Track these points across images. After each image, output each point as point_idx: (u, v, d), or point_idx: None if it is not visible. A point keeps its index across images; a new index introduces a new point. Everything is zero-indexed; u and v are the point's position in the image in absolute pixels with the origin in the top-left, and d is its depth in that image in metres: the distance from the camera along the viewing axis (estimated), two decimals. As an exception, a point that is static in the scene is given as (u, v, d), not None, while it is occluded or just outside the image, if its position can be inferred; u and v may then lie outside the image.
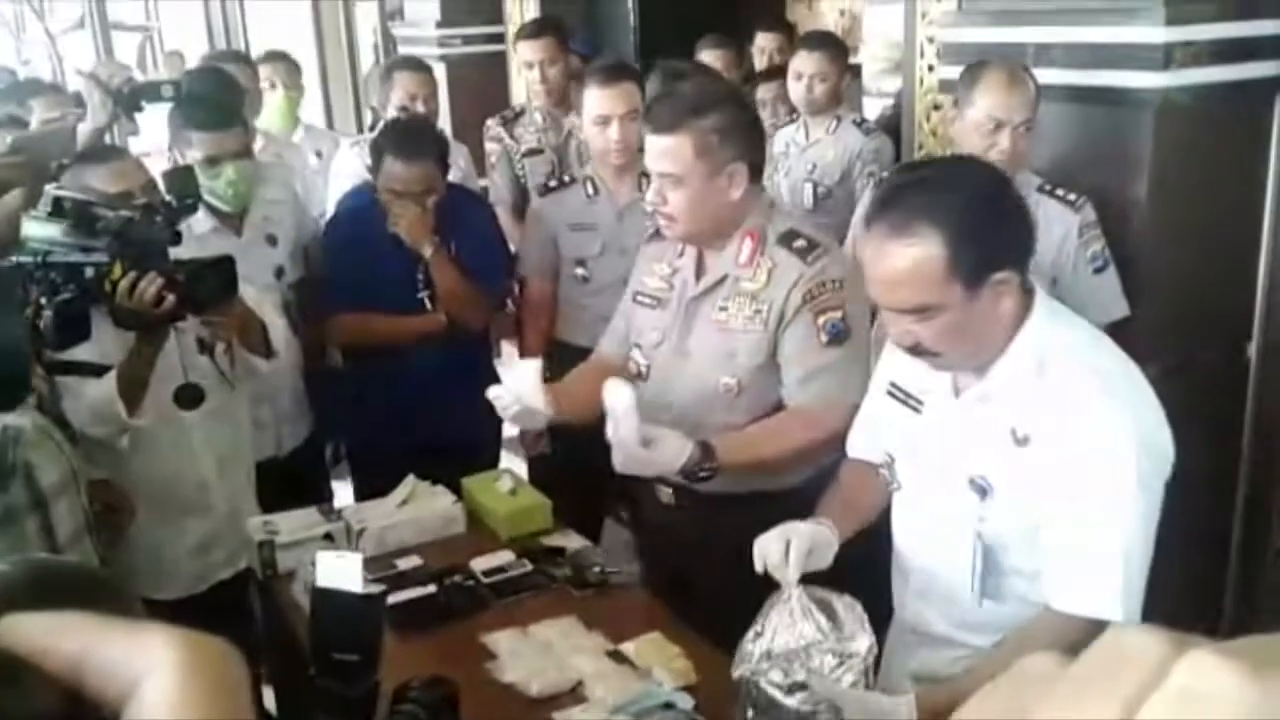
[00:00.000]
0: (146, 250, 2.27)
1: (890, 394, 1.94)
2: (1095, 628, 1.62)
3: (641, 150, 2.45)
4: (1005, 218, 1.66)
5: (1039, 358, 1.69)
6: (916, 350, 1.72)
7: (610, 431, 2.11)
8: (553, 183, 3.46)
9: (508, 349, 4.19)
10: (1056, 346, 1.70)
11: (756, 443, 2.29)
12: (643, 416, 2.12)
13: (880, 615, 2.02)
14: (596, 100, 3.17)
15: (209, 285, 2.38)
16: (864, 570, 1.95)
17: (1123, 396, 1.67)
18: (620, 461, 2.13)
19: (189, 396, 2.50)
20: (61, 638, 0.38)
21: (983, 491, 1.75)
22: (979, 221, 1.62)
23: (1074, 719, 0.32)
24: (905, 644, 2.01)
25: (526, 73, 4.11)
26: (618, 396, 2.11)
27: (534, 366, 2.39)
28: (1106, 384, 1.67)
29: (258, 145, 4.07)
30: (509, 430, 3.55)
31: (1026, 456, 1.69)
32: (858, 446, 2.09)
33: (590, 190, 3.29)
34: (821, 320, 2.21)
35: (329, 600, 1.74)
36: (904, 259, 1.62)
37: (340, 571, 1.76)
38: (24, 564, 0.70)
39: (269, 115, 4.55)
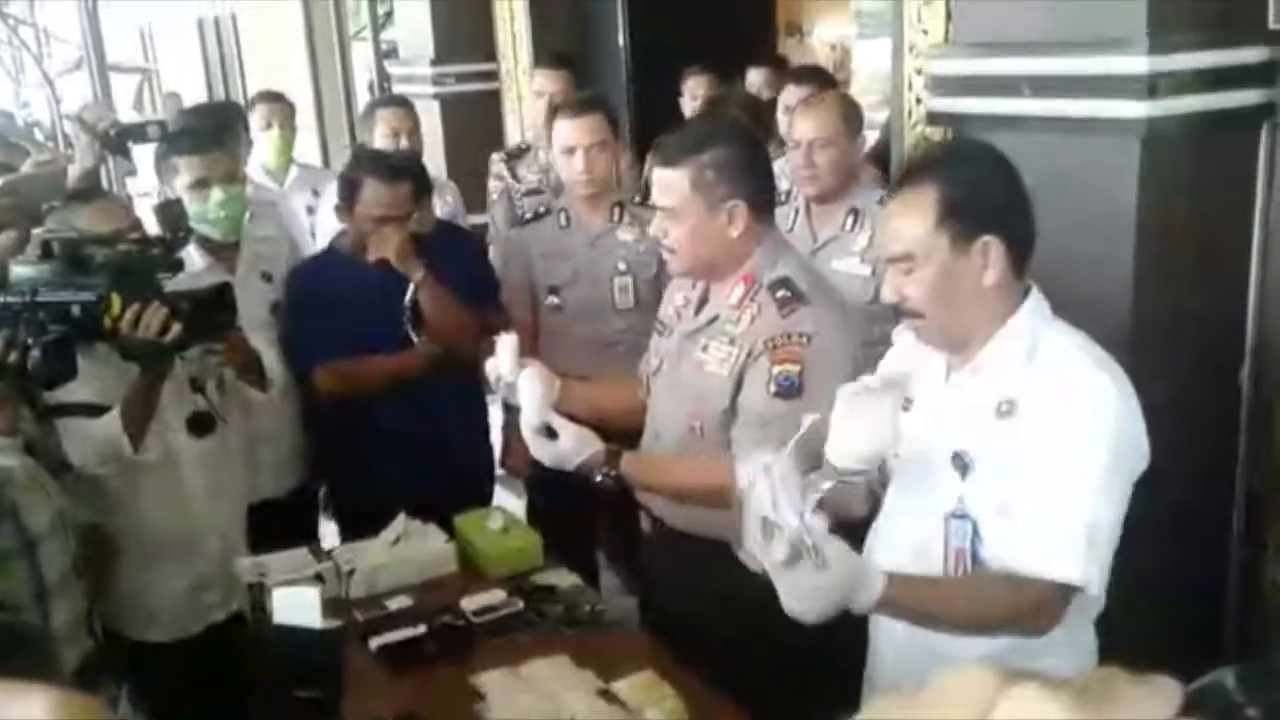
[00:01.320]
0: (145, 282, 2.29)
1: None
2: (1055, 592, 1.64)
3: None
4: (999, 185, 1.78)
5: (1032, 343, 1.76)
6: (901, 309, 1.78)
7: (522, 417, 2.23)
8: (528, 215, 3.54)
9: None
10: (1050, 334, 1.77)
11: (670, 469, 2.31)
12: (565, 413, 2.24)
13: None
14: (563, 131, 3.26)
15: (210, 312, 2.39)
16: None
17: (1112, 380, 1.71)
18: (528, 445, 2.24)
19: (201, 423, 2.50)
20: None
21: (964, 468, 1.77)
22: (971, 179, 1.76)
23: None
24: (880, 656, 1.99)
25: (536, 102, 4.13)
26: (528, 384, 2.22)
27: (510, 340, 2.37)
28: (1098, 363, 1.73)
29: (248, 190, 4.09)
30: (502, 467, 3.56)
31: (1009, 428, 1.73)
32: None
33: (563, 221, 3.36)
34: (776, 370, 2.15)
35: (287, 637, 1.71)
36: (900, 205, 1.76)
37: (298, 607, 1.73)
38: None
39: (264, 154, 4.57)
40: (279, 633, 1.73)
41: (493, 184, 4.17)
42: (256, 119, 4.59)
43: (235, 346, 2.67)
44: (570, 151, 3.24)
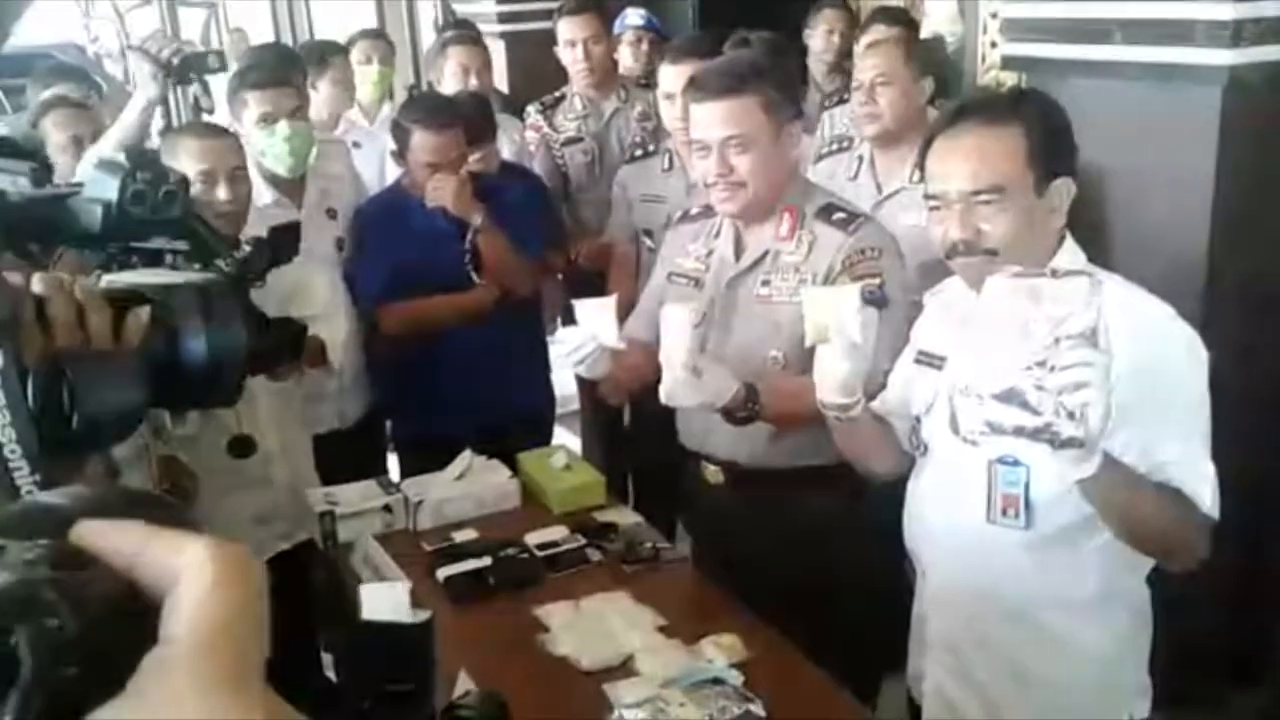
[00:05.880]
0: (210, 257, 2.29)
1: (918, 361, 1.95)
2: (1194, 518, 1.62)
3: None
4: (1071, 132, 1.79)
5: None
6: (971, 246, 1.71)
7: (662, 355, 2.08)
8: (638, 151, 3.53)
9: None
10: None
11: (798, 394, 2.27)
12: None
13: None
14: (665, 77, 3.21)
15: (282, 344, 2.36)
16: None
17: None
18: (668, 388, 2.08)
19: (241, 448, 2.47)
20: (122, 538, 0.46)
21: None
22: (1054, 125, 1.77)
23: None
24: (922, 632, 1.98)
25: (569, 52, 3.98)
26: (676, 320, 2.08)
27: (609, 302, 2.29)
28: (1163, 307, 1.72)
29: (340, 129, 4.09)
30: (563, 406, 3.59)
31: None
32: (886, 404, 2.04)
33: (666, 163, 3.36)
34: (860, 285, 2.14)
35: (377, 633, 1.69)
36: (991, 138, 1.72)
37: (387, 601, 1.74)
38: (117, 487, 0.78)
39: (361, 90, 4.52)
40: (367, 629, 1.72)
41: (530, 135, 4.08)
42: (355, 54, 4.51)
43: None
44: (670, 98, 3.18)
